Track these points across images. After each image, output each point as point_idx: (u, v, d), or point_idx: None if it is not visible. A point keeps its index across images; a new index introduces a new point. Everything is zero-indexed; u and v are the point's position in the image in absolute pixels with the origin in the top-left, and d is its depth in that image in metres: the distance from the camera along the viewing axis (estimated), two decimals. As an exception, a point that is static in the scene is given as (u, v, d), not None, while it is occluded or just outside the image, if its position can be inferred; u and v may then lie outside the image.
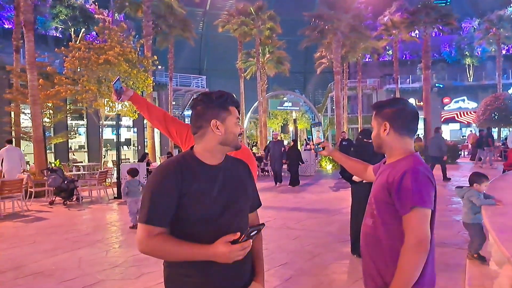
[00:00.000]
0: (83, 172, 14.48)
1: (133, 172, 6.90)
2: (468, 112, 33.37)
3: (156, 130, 23.37)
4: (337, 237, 5.70)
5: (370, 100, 36.04)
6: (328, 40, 22.56)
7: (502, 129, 26.74)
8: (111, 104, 13.61)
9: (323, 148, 2.01)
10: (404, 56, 38.20)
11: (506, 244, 2.41)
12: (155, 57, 15.77)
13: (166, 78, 25.82)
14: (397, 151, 1.64)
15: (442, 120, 33.12)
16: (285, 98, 30.38)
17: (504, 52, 32.74)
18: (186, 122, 2.40)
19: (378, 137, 1.69)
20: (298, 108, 30.11)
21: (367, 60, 36.11)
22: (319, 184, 12.60)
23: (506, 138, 19.10)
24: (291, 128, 31.72)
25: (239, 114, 1.49)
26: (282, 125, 33.28)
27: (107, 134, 20.01)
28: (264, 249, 5.35)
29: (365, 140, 4.50)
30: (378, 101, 1.75)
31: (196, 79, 30.92)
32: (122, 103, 12.26)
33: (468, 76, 36.67)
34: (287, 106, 29.47)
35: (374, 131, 1.71)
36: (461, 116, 34.28)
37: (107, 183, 11.70)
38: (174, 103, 26.54)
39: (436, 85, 33.55)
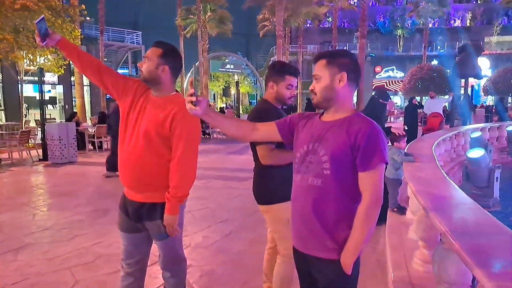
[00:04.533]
0: (1, 132, 13.11)
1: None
2: (396, 81, 35.82)
3: (86, 88, 21.66)
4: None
5: (310, 66, 36.83)
6: (272, 2, 22.23)
7: (423, 97, 29.30)
8: (31, 57, 12.22)
9: (195, 104, 1.46)
10: (343, 24, 39.22)
11: (421, 195, 2.73)
12: (83, 7, 14.30)
13: (96, 32, 23.69)
14: (347, 106, 1.57)
15: (373, 88, 35.20)
16: (227, 60, 29.80)
17: (430, 25, 35.14)
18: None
19: (330, 89, 1.53)
20: (240, 71, 29.85)
21: (308, 26, 36.46)
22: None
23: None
24: (233, 91, 31.50)
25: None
26: (224, 87, 32.88)
27: (28, 91, 18.10)
28: (205, 208, 5.42)
29: (380, 100, 4.52)
30: (328, 50, 1.63)
31: (131, 34, 28.75)
32: (47, 49, 11.03)
33: (399, 46, 39.01)
34: (229, 68, 29.02)
35: (323, 83, 1.54)
36: (390, 84, 36.70)
37: (30, 145, 10.75)
38: (106, 59, 24.62)
39: (370, 54, 35.25)
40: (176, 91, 2.13)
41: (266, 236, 2.68)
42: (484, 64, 29.20)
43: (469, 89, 13.63)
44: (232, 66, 28.90)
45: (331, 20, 35.08)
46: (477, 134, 8.47)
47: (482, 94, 28.59)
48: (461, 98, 14.08)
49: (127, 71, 28.34)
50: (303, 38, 32.04)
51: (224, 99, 34.18)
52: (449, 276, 2.07)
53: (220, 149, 12.09)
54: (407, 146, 4.44)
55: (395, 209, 4.37)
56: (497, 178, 5.41)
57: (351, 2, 30.50)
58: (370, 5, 30.23)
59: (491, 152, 7.83)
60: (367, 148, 1.44)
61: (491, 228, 2.02)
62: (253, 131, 1.74)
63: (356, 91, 1.67)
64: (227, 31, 26.99)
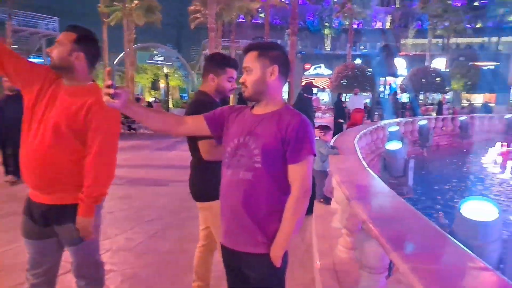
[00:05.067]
0: None
1: None
2: (325, 78, 37.71)
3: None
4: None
5: (241, 61, 36.85)
6: (203, -6, 21.82)
7: (347, 94, 31.36)
8: None
9: (113, 97, 1.37)
10: (275, 21, 40.17)
11: (344, 185, 2.86)
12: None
13: (3, 15, 21.09)
14: (278, 99, 1.58)
15: (302, 84, 36.67)
16: (156, 52, 28.62)
17: (355, 26, 37.60)
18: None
19: (262, 82, 1.53)
20: (170, 63, 28.86)
21: (241, 20, 36.63)
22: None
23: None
24: (162, 84, 30.38)
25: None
26: (153, 80, 31.56)
27: None
28: (129, 208, 5.10)
29: (305, 95, 4.54)
30: (259, 42, 1.62)
31: (46, 20, 26.08)
32: None
33: (326, 45, 41.15)
34: (158, 61, 27.90)
35: (254, 75, 1.54)
36: (318, 81, 38.55)
37: None
38: (16, 46, 22.04)
39: (300, 52, 36.64)
40: (93, 81, 1.93)
41: (195, 234, 2.59)
42: (400, 64, 32.15)
43: (388, 87, 14.84)
44: (161, 58, 27.83)
45: (263, 16, 35.66)
46: (394, 128, 9.25)
47: (399, 91, 31.45)
48: (389, 96, 15.32)
49: (42, 60, 25.70)
50: (236, 32, 32.10)
51: (153, 92, 32.83)
52: (369, 261, 2.18)
53: (147, 145, 11.57)
54: (333, 139, 4.66)
55: (322, 200, 4.56)
56: (411, 168, 5.98)
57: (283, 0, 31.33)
58: (300, 3, 31.36)
59: (406, 145, 8.62)
60: (297, 140, 1.47)
61: (406, 214, 2.18)
62: (179, 125, 1.67)
63: (286, 86, 1.69)
64: (156, 21, 25.86)
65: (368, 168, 3.52)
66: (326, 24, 40.47)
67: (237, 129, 1.59)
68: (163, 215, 4.74)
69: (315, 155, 1.55)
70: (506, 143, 13.23)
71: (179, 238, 3.94)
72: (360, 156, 4.23)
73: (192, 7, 27.76)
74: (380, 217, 2.11)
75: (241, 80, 1.60)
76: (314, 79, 37.67)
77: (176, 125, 1.67)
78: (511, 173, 9.15)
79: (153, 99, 29.69)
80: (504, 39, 39.00)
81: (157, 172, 7.61)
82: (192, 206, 2.19)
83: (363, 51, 39.72)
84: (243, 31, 37.21)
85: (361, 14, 34.39)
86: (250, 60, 1.55)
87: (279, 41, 37.72)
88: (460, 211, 2.10)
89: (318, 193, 4.56)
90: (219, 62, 2.30)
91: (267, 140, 1.49)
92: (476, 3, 41.65)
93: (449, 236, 1.73)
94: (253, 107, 1.64)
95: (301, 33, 36.53)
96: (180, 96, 34.68)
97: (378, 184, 2.94)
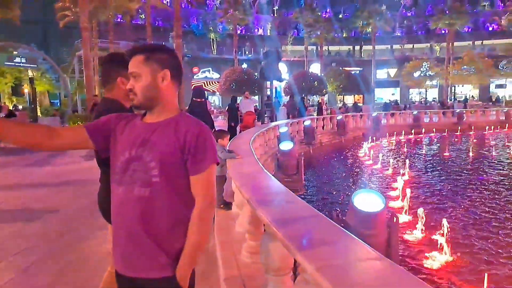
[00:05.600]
0: None
1: None
2: (213, 82, 38.18)
3: None
4: (90, 209, 5.25)
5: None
6: (72, -11, 19.81)
7: (238, 98, 32.34)
8: None
9: None
10: (157, 23, 38.98)
11: (244, 189, 2.86)
12: None
13: None
14: (172, 105, 1.47)
15: (192, 88, 36.45)
16: (16, 53, 24.83)
17: (239, 32, 39.04)
18: None
19: (153, 88, 1.41)
20: (35, 65, 25.39)
21: (119, 20, 34.47)
22: (67, 154, 11.24)
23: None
24: (26, 89, 26.50)
25: None
26: (14, 85, 27.27)
27: None
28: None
29: (194, 99, 4.23)
30: (144, 44, 1.49)
31: None
32: None
33: (213, 49, 41.74)
34: (19, 63, 24.26)
35: (144, 81, 1.41)
36: (208, 85, 38.82)
37: None
38: None
39: (186, 55, 36.35)
40: None
41: (81, 260, 2.25)
42: (283, 69, 34.62)
43: (274, 90, 15.78)
44: (24, 60, 24.26)
45: (144, 17, 34.23)
46: (285, 129, 9.85)
47: (284, 94, 33.84)
48: (294, 99, 16.40)
49: None
50: (115, 33, 30.04)
51: (14, 99, 28.36)
52: (275, 263, 2.20)
53: (12, 161, 9.92)
54: (229, 143, 4.67)
55: (222, 206, 4.52)
56: (302, 165, 6.44)
57: (164, 1, 30.57)
58: (183, 6, 31.11)
59: (295, 144, 9.27)
60: (198, 149, 1.39)
61: (305, 212, 2.27)
62: (53, 138, 1.42)
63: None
64: (13, 17, 22.41)
65: (265, 170, 3.61)
66: (211, 28, 41.08)
67: (127, 141, 1.43)
68: (38, 243, 4.05)
69: (218, 163, 1.48)
70: (375, 138, 15.41)
71: (60, 270, 3.41)
72: (256, 158, 4.33)
73: (59, 4, 24.92)
74: (282, 218, 2.14)
75: (128, 86, 1.44)
76: (204, 82, 37.79)
77: (49, 138, 1.42)
78: (380, 164, 10.64)
79: (16, 107, 25.66)
80: (365, 47, 45.55)
81: (28, 192, 6.53)
82: (79, 226, 1.90)
83: (248, 56, 41.51)
84: (123, 31, 35.05)
85: (244, 20, 35.94)
86: (137, 65, 1.42)
87: (164, 44, 36.71)
88: (353, 203, 2.30)
89: (217, 199, 4.50)
90: (127, 63, 2.06)
91: (165, 150, 1.38)
92: (340, 16, 47.69)
93: (346, 231, 1.85)
94: (144, 115, 1.50)
95: (186, 36, 36.25)
96: (51, 102, 30.81)
97: (276, 185, 3.02)
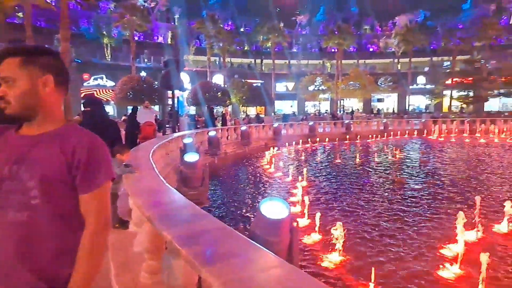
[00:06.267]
0: None
1: None
2: (107, 90, 35.74)
3: None
4: None
5: None
6: None
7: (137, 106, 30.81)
8: None
9: None
10: (40, 23, 35.12)
11: (144, 206, 2.69)
12: None
13: None
14: (57, 115, 1.31)
15: (81, 96, 33.55)
16: None
17: (136, 38, 37.43)
18: None
19: (32, 95, 1.24)
20: None
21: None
22: None
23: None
24: None
25: None
26: None
27: None
28: None
29: (85, 109, 3.69)
30: (21, 45, 1.29)
31: None
32: None
33: (107, 55, 39.15)
34: None
35: (21, 87, 1.23)
36: (101, 93, 36.18)
37: None
38: None
39: (76, 60, 33.40)
40: None
41: None
42: (185, 78, 34.25)
43: (176, 100, 15.47)
44: None
45: (22, 15, 30.50)
46: (189, 140, 9.67)
47: (186, 104, 33.41)
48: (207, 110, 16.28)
49: None
50: (-17, 31, 26.05)
51: None
52: (178, 282, 2.10)
53: None
54: (123, 153, 4.37)
55: (117, 225, 4.20)
56: (207, 177, 6.38)
57: (48, 0, 27.67)
58: (71, 7, 28.63)
59: (200, 155, 9.17)
60: (90, 164, 1.26)
61: (210, 225, 2.22)
62: None
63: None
64: None
65: (166, 184, 3.47)
66: (104, 32, 38.57)
67: None
68: None
69: (113, 179, 1.35)
70: (276, 147, 16.20)
71: None
72: (157, 172, 4.13)
73: None
74: (186, 234, 2.06)
75: None
76: (96, 90, 35.11)
77: None
78: (282, 172, 11.20)
79: None
80: (266, 61, 48.00)
81: None
82: None
83: (147, 64, 40.06)
84: (-5, 30, 30.63)
85: (142, 26, 34.67)
86: (11, 69, 1.23)
87: (48, 46, 33.14)
88: (261, 212, 2.34)
89: (112, 218, 4.15)
90: None
91: (47, 167, 1.22)
92: (242, 29, 49.51)
93: (252, 242, 1.86)
94: (19, 127, 1.30)
95: (76, 40, 33.33)
96: None
97: (178, 199, 2.91)
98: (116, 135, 4.75)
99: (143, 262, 2.95)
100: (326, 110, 45.34)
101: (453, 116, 31.61)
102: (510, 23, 43.97)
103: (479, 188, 9.10)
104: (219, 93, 31.23)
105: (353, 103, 47.78)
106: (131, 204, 3.40)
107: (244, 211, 7.23)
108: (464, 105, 38.49)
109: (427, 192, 8.72)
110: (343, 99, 45.26)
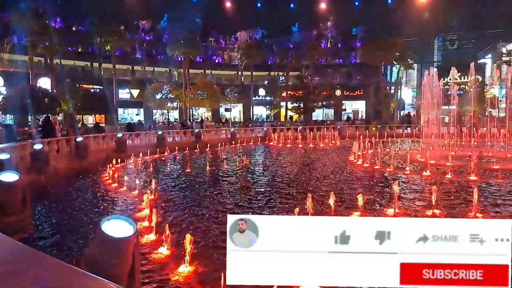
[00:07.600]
0: None
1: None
2: None
3: None
4: None
5: None
6: None
7: None
8: None
9: None
10: None
11: None
12: None
13: None
14: None
15: None
16: None
17: None
18: None
19: None
20: None
21: None
22: None
23: None
24: None
25: None
26: None
27: None
28: None
29: None
30: None
31: None
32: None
33: None
34: None
35: None
36: None
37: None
38: None
39: None
40: None
41: None
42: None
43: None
44: None
45: None
46: (6, 155, 8.06)
47: (0, 112, 28.08)
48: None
49: None
50: None
51: None
52: None
53: None
54: None
55: None
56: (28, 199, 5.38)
57: None
58: None
59: (20, 174, 7.74)
60: None
61: (29, 260, 1.85)
62: None
63: None
64: None
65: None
66: None
67: None
68: None
69: None
70: (120, 159, 15.12)
71: None
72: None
73: None
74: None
75: None
76: None
77: None
78: (126, 186, 10.50)
79: None
80: (105, 65, 44.48)
81: None
82: None
83: None
84: None
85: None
86: None
87: None
88: (101, 232, 2.06)
89: None
90: None
91: None
92: (74, 28, 44.80)
93: (84, 272, 1.61)
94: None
95: None
96: None
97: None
98: None
99: None
100: (176, 119, 45.12)
101: (288, 125, 36.17)
102: (328, 46, 53.27)
103: (310, 186, 10.46)
104: (45, 99, 27.26)
105: (202, 112, 48.99)
106: None
107: (79, 236, 6.44)
108: (296, 116, 45.11)
109: (269, 193, 9.61)
110: (192, 108, 45.95)
